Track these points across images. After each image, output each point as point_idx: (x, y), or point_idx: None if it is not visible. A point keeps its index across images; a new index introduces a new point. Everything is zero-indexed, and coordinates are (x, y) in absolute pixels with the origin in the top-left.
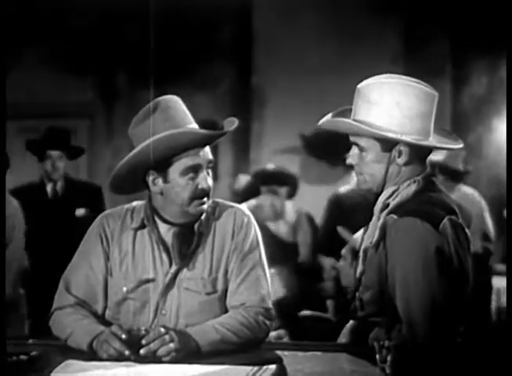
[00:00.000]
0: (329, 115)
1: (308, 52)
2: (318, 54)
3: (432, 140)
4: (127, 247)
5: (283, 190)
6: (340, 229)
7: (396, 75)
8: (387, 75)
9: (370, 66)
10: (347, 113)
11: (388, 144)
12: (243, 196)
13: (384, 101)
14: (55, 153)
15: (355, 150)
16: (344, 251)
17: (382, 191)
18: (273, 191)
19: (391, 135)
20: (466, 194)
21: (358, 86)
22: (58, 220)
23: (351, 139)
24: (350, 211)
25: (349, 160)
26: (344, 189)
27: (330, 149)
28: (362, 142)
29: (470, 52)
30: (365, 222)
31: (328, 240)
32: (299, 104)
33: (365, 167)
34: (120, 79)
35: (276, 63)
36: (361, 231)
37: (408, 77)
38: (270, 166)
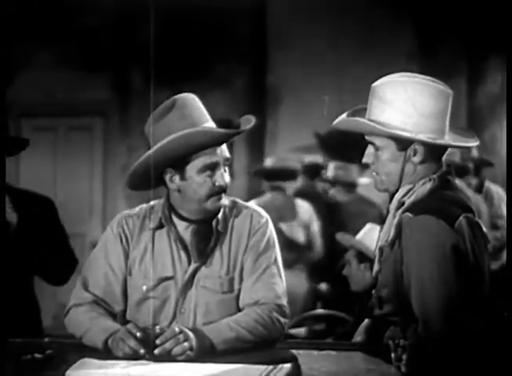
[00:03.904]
0: (344, 115)
1: (323, 50)
2: (332, 52)
3: (447, 138)
4: (146, 246)
5: (288, 184)
6: (340, 236)
7: (410, 74)
8: (402, 74)
9: (385, 64)
10: (361, 112)
11: (403, 143)
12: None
13: (399, 100)
14: None
15: (370, 149)
16: (348, 256)
17: (398, 190)
18: (278, 188)
19: (405, 134)
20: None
21: (373, 85)
22: None
23: (367, 138)
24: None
25: (365, 160)
26: None
27: (345, 147)
28: (378, 141)
29: (485, 51)
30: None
31: None
32: (314, 102)
33: (381, 166)
34: (135, 77)
35: (291, 61)
36: (362, 232)
37: (422, 76)
38: (269, 162)
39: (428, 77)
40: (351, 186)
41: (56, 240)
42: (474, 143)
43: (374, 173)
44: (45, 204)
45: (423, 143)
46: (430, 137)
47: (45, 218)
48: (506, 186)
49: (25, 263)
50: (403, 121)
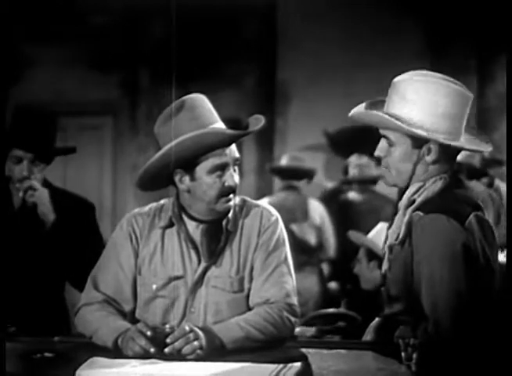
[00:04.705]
0: (362, 106)
1: (333, 49)
2: (342, 51)
3: (462, 141)
4: (156, 245)
5: (302, 184)
6: (351, 234)
7: (432, 73)
8: (424, 72)
9: (395, 63)
10: (379, 105)
11: (418, 141)
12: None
13: (420, 99)
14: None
15: (383, 143)
16: (359, 255)
17: (407, 187)
18: (292, 187)
19: (423, 133)
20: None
21: (394, 80)
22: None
23: (382, 131)
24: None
25: (377, 153)
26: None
27: (354, 145)
28: (393, 136)
29: (495, 50)
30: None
31: None
32: (323, 101)
33: (393, 161)
34: (144, 76)
35: (300, 60)
36: (374, 231)
37: (444, 76)
38: (284, 161)
39: (451, 79)
40: (370, 183)
41: (92, 247)
42: (487, 148)
43: (384, 168)
44: (85, 209)
45: (439, 143)
46: (446, 138)
47: (83, 223)
48: (506, 187)
49: (56, 265)
50: (422, 119)
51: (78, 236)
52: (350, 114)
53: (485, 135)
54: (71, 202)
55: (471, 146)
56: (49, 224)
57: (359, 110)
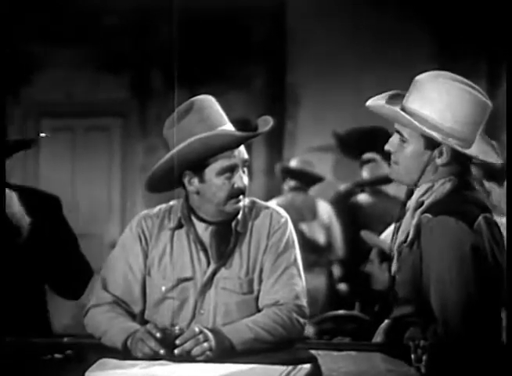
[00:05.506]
0: (381, 97)
1: (342, 50)
2: (352, 53)
3: (474, 149)
4: (165, 246)
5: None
6: (364, 234)
7: (458, 76)
8: (449, 74)
9: (404, 64)
10: (398, 98)
11: (431, 142)
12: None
13: (440, 101)
14: None
15: (396, 138)
16: (371, 255)
17: (415, 185)
18: (299, 188)
19: (437, 136)
20: None
21: (417, 78)
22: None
23: (396, 126)
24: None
25: (387, 147)
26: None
27: (364, 147)
28: (406, 133)
29: (504, 52)
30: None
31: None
32: (333, 103)
33: (403, 158)
34: (154, 78)
35: (310, 61)
36: (386, 232)
37: (468, 82)
38: (294, 163)
39: (475, 86)
40: (383, 183)
41: (69, 249)
42: (497, 161)
43: (393, 162)
44: (53, 206)
45: (451, 148)
46: (458, 144)
47: (55, 222)
48: (506, 188)
49: (36, 271)
50: (438, 121)
51: (55, 236)
52: (367, 104)
53: (496, 147)
54: (38, 200)
55: (481, 156)
56: (25, 229)
57: (378, 102)
